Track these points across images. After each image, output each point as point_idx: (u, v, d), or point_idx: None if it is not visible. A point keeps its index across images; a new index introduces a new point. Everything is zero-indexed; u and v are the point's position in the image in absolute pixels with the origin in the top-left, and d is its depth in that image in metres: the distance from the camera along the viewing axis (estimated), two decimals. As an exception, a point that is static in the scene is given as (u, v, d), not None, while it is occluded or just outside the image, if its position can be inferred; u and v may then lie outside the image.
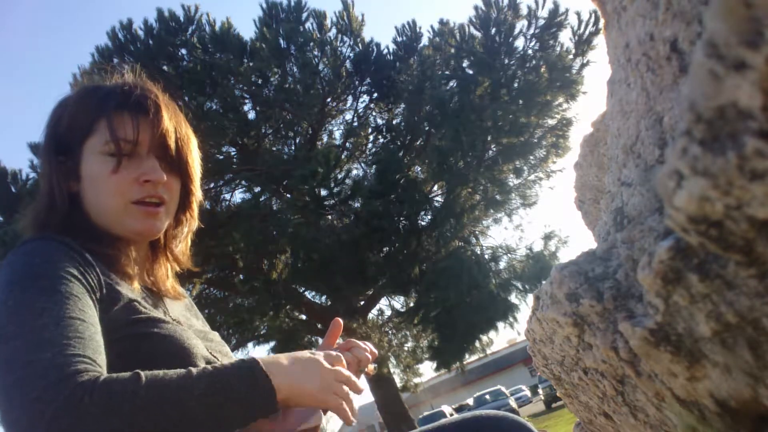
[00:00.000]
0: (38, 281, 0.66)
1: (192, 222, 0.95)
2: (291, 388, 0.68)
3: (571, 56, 9.15)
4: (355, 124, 10.45)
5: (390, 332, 11.45)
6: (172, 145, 0.84)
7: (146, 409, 0.57)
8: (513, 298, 9.94)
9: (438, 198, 10.16)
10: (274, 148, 9.97)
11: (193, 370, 0.63)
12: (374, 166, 9.57)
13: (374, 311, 11.43)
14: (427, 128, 9.76)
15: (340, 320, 1.00)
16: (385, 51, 10.12)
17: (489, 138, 8.96)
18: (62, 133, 0.83)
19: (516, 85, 9.04)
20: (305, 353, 0.75)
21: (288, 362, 0.70)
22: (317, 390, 0.71)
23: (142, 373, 0.60)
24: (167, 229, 0.92)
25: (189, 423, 0.59)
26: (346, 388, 0.75)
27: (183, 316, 0.91)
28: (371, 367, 0.99)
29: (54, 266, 0.68)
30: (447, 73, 9.54)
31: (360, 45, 9.88)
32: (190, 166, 0.89)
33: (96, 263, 0.74)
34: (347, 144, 10.50)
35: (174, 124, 0.86)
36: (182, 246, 0.96)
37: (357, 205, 9.00)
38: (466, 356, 10.87)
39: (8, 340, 0.60)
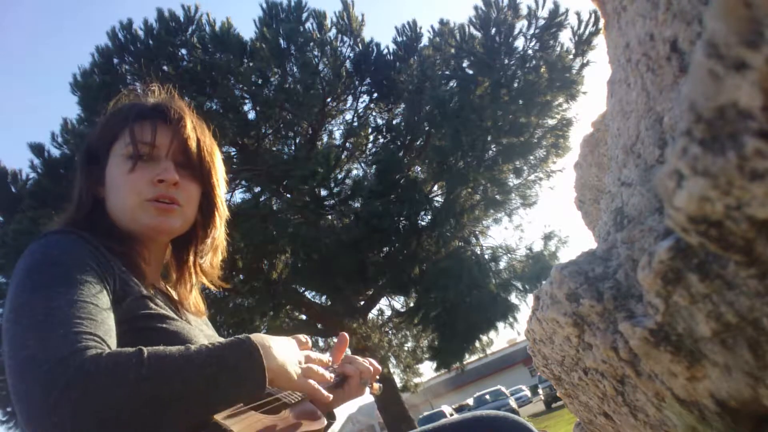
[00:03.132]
0: (54, 268, 0.69)
1: (215, 231, 0.97)
2: (277, 370, 0.72)
3: (571, 56, 9.14)
4: (355, 124, 10.45)
5: (390, 332, 11.45)
6: (193, 151, 0.89)
7: (149, 378, 0.59)
8: (513, 298, 9.93)
9: (438, 198, 10.15)
10: (274, 148, 9.97)
11: (192, 346, 0.66)
12: (374, 166, 9.57)
13: (374, 311, 11.43)
14: (427, 128, 9.75)
15: (346, 335, 1.04)
16: (385, 51, 10.12)
17: (489, 138, 8.96)
18: (94, 144, 0.90)
19: (516, 85, 9.03)
20: (284, 338, 0.80)
21: (272, 345, 0.74)
22: (296, 375, 0.76)
23: (144, 348, 0.63)
24: (197, 243, 0.96)
25: (189, 392, 0.62)
26: (317, 368, 0.81)
27: (193, 319, 0.93)
28: (376, 386, 1.01)
29: (71, 256, 0.71)
30: (447, 73, 9.54)
31: (360, 45, 9.88)
32: (213, 176, 0.93)
33: (112, 259, 0.77)
34: (347, 144, 10.50)
35: (198, 134, 0.90)
36: (210, 258, 0.99)
37: (357, 205, 9.00)
38: (466, 356, 10.86)
39: (23, 318, 0.63)
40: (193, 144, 0.89)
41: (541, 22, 9.06)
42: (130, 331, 0.72)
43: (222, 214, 0.97)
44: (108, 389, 0.57)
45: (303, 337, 0.88)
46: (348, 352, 1.05)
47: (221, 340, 0.72)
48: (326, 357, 0.88)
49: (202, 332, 0.89)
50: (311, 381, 0.79)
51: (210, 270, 1.00)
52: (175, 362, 0.62)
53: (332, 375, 0.87)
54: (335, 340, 1.04)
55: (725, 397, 0.47)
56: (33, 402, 0.57)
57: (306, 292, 10.49)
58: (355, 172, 10.10)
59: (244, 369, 0.68)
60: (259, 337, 0.73)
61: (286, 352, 0.77)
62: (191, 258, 0.97)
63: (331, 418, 0.94)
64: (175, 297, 0.93)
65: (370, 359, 1.00)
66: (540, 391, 20.21)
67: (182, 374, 0.62)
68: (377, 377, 1.02)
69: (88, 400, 0.56)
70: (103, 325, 0.65)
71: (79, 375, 0.57)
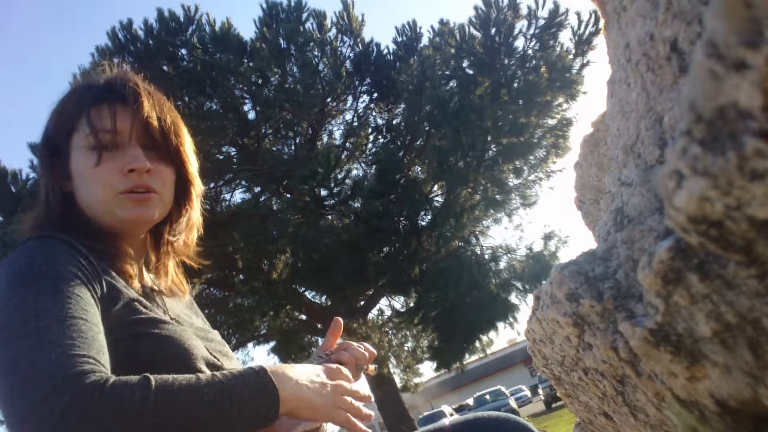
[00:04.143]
0: (39, 281, 0.65)
1: (191, 212, 0.92)
2: (298, 401, 0.69)
3: (571, 56, 9.15)
4: (355, 124, 10.45)
5: (390, 332, 11.45)
6: (157, 131, 0.82)
7: (155, 413, 0.57)
8: (513, 298, 9.93)
9: (438, 198, 10.16)
10: (274, 148, 9.97)
11: (202, 376, 0.64)
12: (374, 166, 9.57)
13: (374, 311, 11.44)
14: (427, 128, 9.75)
15: (341, 319, 1.00)
16: (385, 51, 10.13)
17: (489, 138, 8.96)
18: (52, 136, 0.84)
19: (516, 85, 9.04)
20: (309, 367, 0.76)
21: (295, 376, 0.71)
22: (322, 405, 0.72)
23: (152, 377, 0.60)
24: (171, 222, 0.91)
25: (196, 428, 0.60)
26: (350, 399, 0.76)
27: (183, 314, 0.90)
28: (372, 367, 1.00)
29: (55, 265, 0.68)
30: (447, 73, 9.54)
31: (360, 45, 9.89)
32: (182, 153, 0.87)
33: (96, 261, 0.74)
34: (347, 144, 10.50)
35: (157, 112, 0.84)
36: (185, 237, 0.94)
37: (357, 205, 9.00)
38: (466, 356, 10.87)
39: (11, 341, 0.59)
40: (155, 123, 0.82)
41: (541, 22, 9.06)
42: (122, 340, 0.69)
43: (197, 191, 0.92)
44: (109, 422, 0.55)
45: (334, 366, 0.82)
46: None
47: (233, 370, 0.68)
48: (364, 392, 0.82)
49: (192, 326, 0.87)
50: (344, 413, 0.74)
51: (183, 248, 0.95)
52: (184, 395, 0.60)
53: (370, 413, 0.81)
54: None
55: (725, 397, 0.47)
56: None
57: (306, 292, 10.49)
58: (355, 172, 10.10)
59: (257, 403, 0.65)
60: (280, 369, 0.70)
61: (310, 382, 0.72)
62: (165, 238, 0.92)
63: None
64: (158, 286, 0.89)
65: (365, 344, 0.99)
66: (540, 391, 20.21)
67: (190, 410, 0.59)
68: (373, 360, 1.00)
69: (87, 429, 0.54)
70: (95, 342, 0.62)
71: (76, 403, 0.54)
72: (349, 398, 0.76)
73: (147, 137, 0.82)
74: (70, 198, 0.82)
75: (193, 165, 0.90)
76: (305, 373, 0.73)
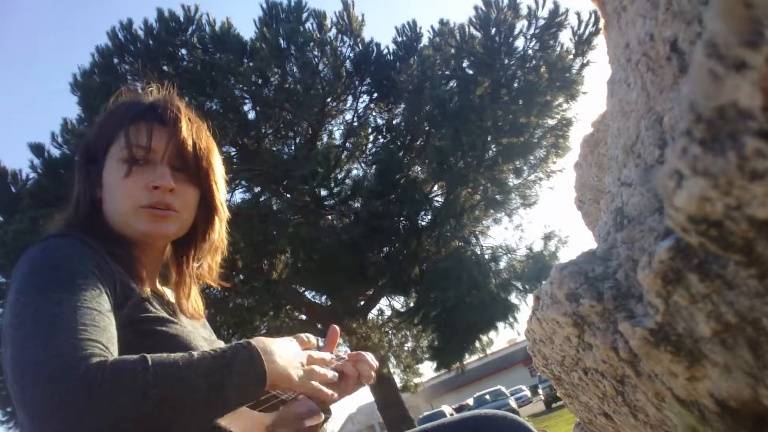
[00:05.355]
0: (56, 273, 0.68)
1: (213, 235, 0.96)
2: (278, 375, 0.73)
3: (571, 56, 9.14)
4: (355, 124, 10.45)
5: (390, 332, 11.45)
6: (189, 154, 0.86)
7: (155, 385, 0.60)
8: (513, 298, 9.94)
9: (438, 198, 10.16)
10: (274, 148, 9.97)
11: (194, 352, 0.67)
12: (374, 166, 9.57)
13: (374, 311, 11.44)
14: (427, 128, 9.75)
15: (337, 327, 1.03)
16: (385, 51, 10.13)
17: (489, 138, 8.96)
18: (91, 145, 0.89)
19: (516, 85, 9.03)
20: (285, 340, 0.82)
21: (273, 349, 0.75)
22: (297, 377, 0.77)
23: (149, 356, 0.63)
24: (196, 246, 0.95)
25: (193, 399, 0.62)
26: (319, 368, 0.82)
27: (191, 325, 0.93)
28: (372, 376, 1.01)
29: (72, 260, 0.71)
30: (447, 73, 9.54)
31: (360, 45, 9.88)
32: (211, 179, 0.91)
33: (111, 262, 0.77)
34: (347, 144, 10.50)
35: (194, 137, 0.88)
36: (209, 260, 0.98)
37: (357, 205, 9.00)
38: (466, 356, 10.87)
39: (25, 324, 0.62)
40: (189, 147, 0.87)
41: (541, 22, 9.05)
42: (131, 335, 0.72)
43: (221, 217, 0.96)
44: (113, 397, 0.57)
45: (305, 336, 0.88)
46: (347, 349, 1.05)
47: (222, 345, 0.73)
48: (329, 355, 0.89)
49: (200, 335, 0.89)
50: (313, 382, 0.80)
51: (207, 272, 0.99)
52: (179, 369, 0.63)
53: (335, 374, 0.88)
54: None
55: (725, 397, 0.47)
56: (35, 409, 0.56)
57: (306, 292, 10.50)
58: (355, 172, 10.11)
59: (247, 375, 0.69)
60: (261, 342, 0.74)
61: (287, 354, 0.77)
62: (190, 261, 0.96)
63: (327, 413, 0.94)
64: (172, 300, 0.93)
65: (371, 355, 1.00)
66: (540, 391, 20.21)
67: (187, 381, 0.62)
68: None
69: (92, 407, 0.56)
70: (105, 331, 0.65)
71: (82, 383, 0.57)
72: (317, 367, 0.82)
73: (179, 159, 0.86)
74: (98, 205, 0.87)
75: (220, 192, 0.94)
76: (284, 347, 0.78)
